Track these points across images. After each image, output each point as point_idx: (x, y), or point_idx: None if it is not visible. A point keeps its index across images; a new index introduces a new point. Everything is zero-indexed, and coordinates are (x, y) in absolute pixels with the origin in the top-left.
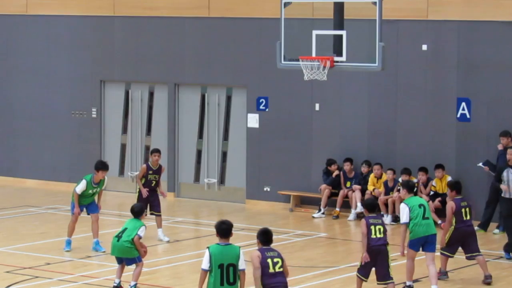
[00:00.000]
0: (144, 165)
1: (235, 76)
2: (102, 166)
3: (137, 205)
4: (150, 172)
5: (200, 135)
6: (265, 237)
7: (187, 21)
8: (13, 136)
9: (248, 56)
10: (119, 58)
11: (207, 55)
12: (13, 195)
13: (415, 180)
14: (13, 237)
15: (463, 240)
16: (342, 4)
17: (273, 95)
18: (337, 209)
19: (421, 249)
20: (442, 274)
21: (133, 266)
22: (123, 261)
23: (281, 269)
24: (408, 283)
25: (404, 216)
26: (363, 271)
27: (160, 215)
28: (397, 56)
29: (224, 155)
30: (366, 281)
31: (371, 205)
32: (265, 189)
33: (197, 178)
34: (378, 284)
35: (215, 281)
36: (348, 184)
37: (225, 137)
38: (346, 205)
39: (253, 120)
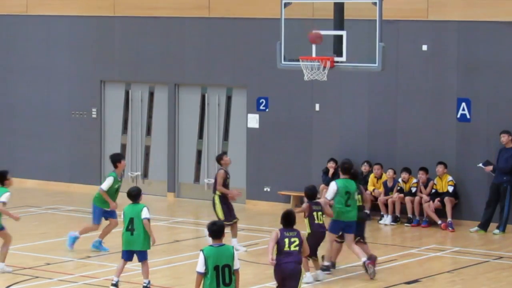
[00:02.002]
0: (222, 171)
1: (235, 76)
2: (120, 156)
3: (134, 188)
4: (228, 176)
5: (200, 135)
6: (285, 220)
7: (187, 21)
8: (13, 136)
9: (248, 56)
10: (119, 58)
11: (207, 55)
12: (13, 195)
13: (414, 180)
14: (13, 237)
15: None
16: (342, 4)
17: (273, 96)
18: None
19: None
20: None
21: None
22: (132, 258)
23: (296, 248)
24: (326, 263)
25: (330, 193)
26: None
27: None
28: (397, 57)
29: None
30: None
31: (311, 192)
32: (265, 189)
33: (197, 178)
34: None
35: (211, 283)
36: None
37: (225, 137)
38: None
39: (253, 121)
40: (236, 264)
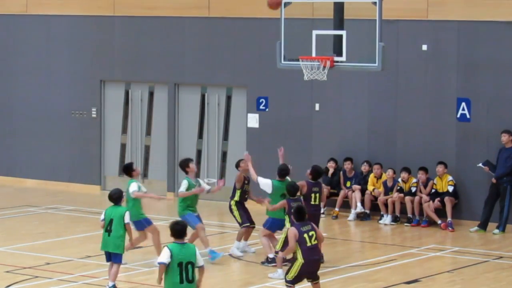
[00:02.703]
0: (240, 173)
1: (235, 76)
2: (188, 160)
3: (115, 190)
4: (246, 182)
5: (200, 135)
6: (299, 214)
7: (187, 21)
8: (13, 135)
9: (248, 56)
10: (119, 58)
11: (207, 55)
12: (12, 195)
13: (414, 180)
14: (13, 237)
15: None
16: (342, 4)
17: (273, 95)
18: (337, 209)
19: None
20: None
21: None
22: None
23: (316, 241)
24: (271, 256)
25: (266, 187)
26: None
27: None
28: (397, 56)
29: (224, 155)
30: None
31: (293, 189)
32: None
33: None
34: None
35: (174, 279)
36: (348, 184)
37: (225, 137)
38: (346, 205)
39: (253, 120)
40: (200, 262)
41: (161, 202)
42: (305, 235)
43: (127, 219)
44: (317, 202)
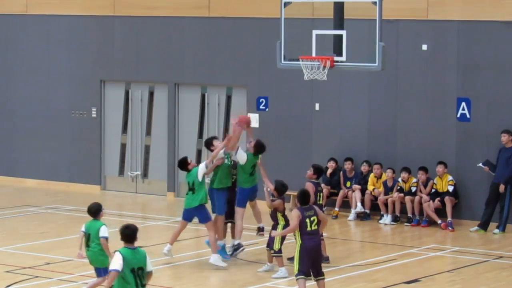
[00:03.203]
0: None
1: (235, 76)
2: (215, 136)
3: (93, 204)
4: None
5: (200, 135)
6: (303, 198)
7: (187, 21)
8: (13, 135)
9: (248, 56)
10: (119, 58)
11: (207, 55)
12: (13, 195)
13: (414, 180)
14: (13, 237)
15: None
16: (342, 4)
17: (273, 95)
18: (336, 209)
19: None
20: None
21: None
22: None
23: (316, 227)
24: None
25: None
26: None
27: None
28: (397, 56)
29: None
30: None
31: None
32: (265, 188)
33: None
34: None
35: (128, 285)
36: (348, 184)
37: (225, 136)
38: (346, 205)
39: (253, 120)
40: (149, 267)
41: (162, 201)
42: (307, 220)
43: (102, 233)
44: (321, 202)
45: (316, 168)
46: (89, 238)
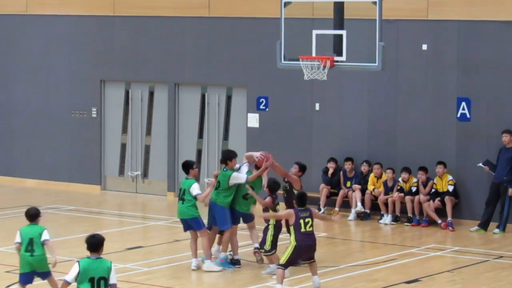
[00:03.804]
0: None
1: (235, 76)
2: (233, 153)
3: (32, 208)
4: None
5: (200, 135)
6: (300, 200)
7: (187, 21)
8: (13, 135)
9: (248, 56)
10: (119, 58)
11: (207, 54)
12: (12, 195)
13: (414, 180)
14: (13, 237)
15: None
16: (342, 3)
17: (273, 95)
18: (337, 208)
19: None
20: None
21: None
22: (32, 280)
23: (311, 228)
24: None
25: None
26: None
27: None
28: (397, 56)
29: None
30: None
31: (276, 185)
32: (265, 188)
33: (197, 178)
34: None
35: None
36: (348, 184)
37: (225, 137)
38: (346, 205)
39: (253, 120)
40: (113, 279)
41: (162, 201)
42: (301, 221)
43: (44, 236)
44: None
45: (301, 165)
46: (30, 243)
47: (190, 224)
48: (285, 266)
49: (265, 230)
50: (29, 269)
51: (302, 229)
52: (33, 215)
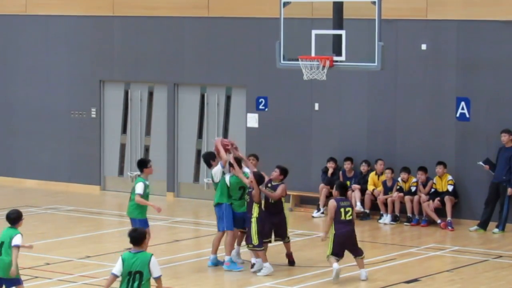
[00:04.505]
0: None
1: (234, 76)
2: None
3: (13, 211)
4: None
5: (200, 135)
6: (341, 189)
7: (187, 21)
8: (12, 136)
9: (247, 56)
10: (119, 58)
11: (207, 55)
12: (12, 195)
13: (414, 180)
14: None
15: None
16: (341, 3)
17: (272, 95)
18: None
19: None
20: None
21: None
22: (2, 284)
23: (350, 217)
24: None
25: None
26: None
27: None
28: (397, 56)
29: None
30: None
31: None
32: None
33: (196, 178)
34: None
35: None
36: (347, 183)
37: (225, 136)
38: None
39: (253, 120)
40: (156, 273)
41: (161, 201)
42: (342, 210)
43: (14, 241)
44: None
45: (282, 169)
46: (0, 246)
47: (133, 224)
48: (336, 255)
49: (249, 225)
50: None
51: (342, 217)
52: (13, 219)
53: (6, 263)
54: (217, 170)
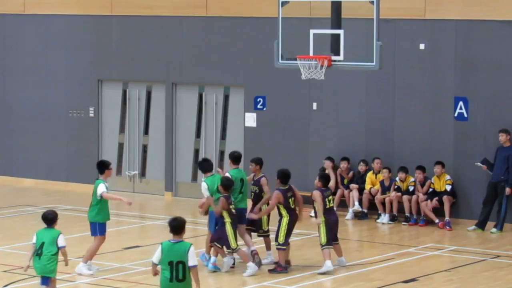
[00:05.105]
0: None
1: (232, 75)
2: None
3: (49, 211)
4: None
5: (198, 134)
6: (325, 180)
7: (185, 20)
8: (10, 135)
9: (245, 55)
10: (117, 57)
11: (205, 54)
12: (10, 195)
13: (412, 179)
14: (11, 237)
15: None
16: (339, 3)
17: (270, 94)
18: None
19: None
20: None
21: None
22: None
23: (332, 204)
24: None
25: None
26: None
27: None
28: (395, 55)
29: (222, 154)
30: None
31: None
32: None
33: (194, 177)
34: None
35: (165, 277)
36: (345, 181)
37: (223, 136)
38: (344, 204)
39: (251, 119)
40: (192, 262)
41: (159, 200)
42: (326, 200)
43: (60, 243)
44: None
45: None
46: (41, 246)
47: (92, 229)
48: (329, 244)
49: (223, 229)
50: (39, 273)
51: (328, 206)
52: (50, 220)
53: (47, 262)
54: (203, 186)
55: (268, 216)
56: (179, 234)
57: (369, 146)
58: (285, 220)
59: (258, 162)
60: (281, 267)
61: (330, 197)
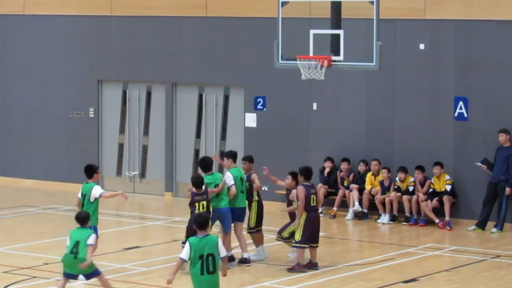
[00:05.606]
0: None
1: (232, 76)
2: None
3: (82, 212)
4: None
5: (198, 135)
6: (307, 173)
7: (185, 21)
8: (10, 136)
9: (245, 56)
10: (117, 58)
11: (205, 54)
12: (10, 195)
13: (412, 179)
14: (11, 237)
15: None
16: (339, 3)
17: (270, 95)
18: (335, 208)
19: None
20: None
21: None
22: (75, 277)
23: (315, 203)
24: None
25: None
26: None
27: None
28: (395, 55)
29: (222, 154)
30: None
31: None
32: (262, 188)
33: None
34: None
35: (196, 271)
36: (345, 182)
37: (223, 136)
38: (343, 204)
39: (251, 120)
40: (222, 252)
41: (159, 201)
42: (310, 196)
43: (90, 241)
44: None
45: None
46: (75, 245)
47: None
48: (303, 243)
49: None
50: (71, 271)
51: (311, 203)
52: (83, 219)
53: (83, 261)
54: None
55: (258, 214)
56: (205, 229)
57: (369, 146)
58: (303, 217)
59: (251, 160)
60: (299, 266)
61: (314, 195)
